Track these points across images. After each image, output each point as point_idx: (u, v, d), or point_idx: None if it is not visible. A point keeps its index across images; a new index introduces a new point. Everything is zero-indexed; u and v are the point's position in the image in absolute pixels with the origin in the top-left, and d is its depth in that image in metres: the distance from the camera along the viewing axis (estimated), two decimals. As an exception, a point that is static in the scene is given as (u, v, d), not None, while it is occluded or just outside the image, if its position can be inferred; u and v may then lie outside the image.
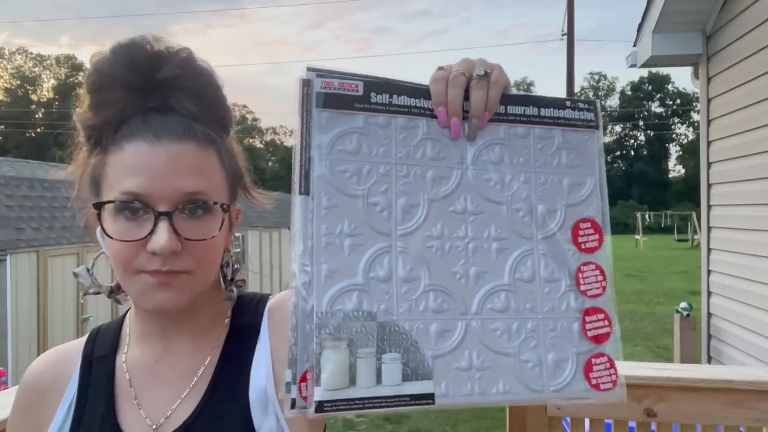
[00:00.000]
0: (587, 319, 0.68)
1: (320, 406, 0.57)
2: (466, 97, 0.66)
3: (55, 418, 0.77)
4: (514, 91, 0.70)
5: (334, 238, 0.61)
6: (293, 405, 0.58)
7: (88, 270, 0.80)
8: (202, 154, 0.72)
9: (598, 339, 0.68)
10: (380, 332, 0.60)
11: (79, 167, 0.78)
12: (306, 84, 0.62)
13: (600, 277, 0.69)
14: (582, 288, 0.69)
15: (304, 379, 0.58)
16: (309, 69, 0.62)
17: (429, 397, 0.61)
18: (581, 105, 0.72)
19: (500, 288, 0.66)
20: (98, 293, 0.81)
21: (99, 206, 0.70)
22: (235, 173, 0.79)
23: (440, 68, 0.68)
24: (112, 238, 0.69)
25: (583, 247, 0.69)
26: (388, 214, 0.63)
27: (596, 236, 0.70)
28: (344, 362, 0.59)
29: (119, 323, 0.84)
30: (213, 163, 0.73)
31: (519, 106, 0.69)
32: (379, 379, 0.60)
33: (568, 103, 0.71)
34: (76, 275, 0.80)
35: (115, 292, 0.82)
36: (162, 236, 0.67)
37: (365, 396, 0.59)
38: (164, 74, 0.72)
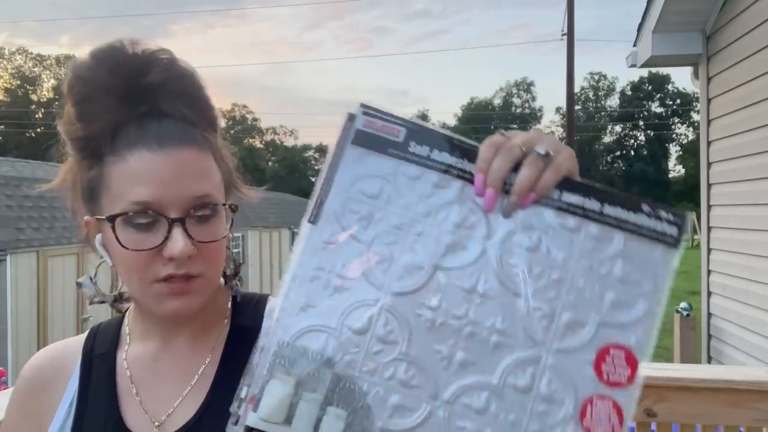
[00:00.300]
0: None
1: (248, 431, 0.56)
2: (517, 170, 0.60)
3: (56, 415, 0.77)
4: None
5: (323, 274, 0.58)
6: (237, 422, 0.57)
7: (91, 279, 0.80)
8: (203, 158, 0.72)
9: None
10: (333, 383, 0.56)
11: (68, 178, 0.77)
12: (350, 118, 0.60)
13: (615, 419, 0.57)
14: (586, 424, 0.57)
15: (252, 400, 0.57)
16: (361, 105, 0.60)
17: None
18: (663, 214, 0.60)
19: (484, 386, 0.57)
20: (102, 302, 0.81)
21: (113, 219, 0.69)
22: (228, 173, 0.80)
23: (501, 133, 0.62)
24: (127, 248, 0.69)
25: (605, 377, 0.58)
26: (387, 267, 0.58)
27: (627, 370, 0.58)
28: (286, 398, 0.56)
29: (119, 321, 0.84)
30: (212, 165, 0.74)
31: (578, 196, 0.60)
32: (316, 429, 0.56)
33: (645, 207, 0.60)
34: (79, 285, 0.80)
35: (118, 300, 0.83)
36: (179, 241, 0.68)
37: None
38: (151, 78, 0.71)
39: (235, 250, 0.87)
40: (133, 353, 0.80)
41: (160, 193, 0.68)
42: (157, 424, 0.74)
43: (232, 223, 0.78)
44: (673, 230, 0.60)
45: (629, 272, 0.60)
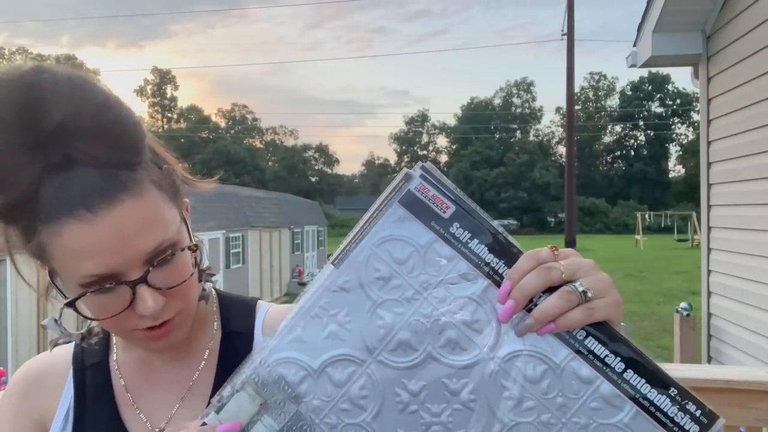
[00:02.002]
0: None
1: (203, 426, 0.57)
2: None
3: (53, 427, 0.76)
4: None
5: (325, 315, 0.58)
6: (204, 415, 0.58)
7: (56, 321, 0.75)
8: (142, 203, 0.62)
9: None
10: (293, 420, 0.57)
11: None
12: (406, 178, 0.59)
13: None
14: None
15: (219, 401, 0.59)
16: (422, 167, 0.59)
17: None
18: (691, 407, 0.55)
19: None
20: (69, 341, 0.78)
21: (72, 303, 0.65)
22: (173, 182, 0.69)
23: (552, 248, 0.59)
24: (98, 319, 0.66)
25: None
26: (384, 334, 0.58)
27: None
28: (247, 413, 0.58)
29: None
30: (155, 203, 0.64)
31: (604, 348, 0.56)
32: None
33: (672, 390, 0.55)
34: (44, 327, 0.75)
35: (86, 337, 0.79)
36: (148, 302, 0.63)
37: None
38: (56, 119, 0.58)
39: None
40: (123, 359, 0.79)
41: (110, 263, 0.61)
42: (157, 430, 0.74)
43: (186, 221, 0.72)
44: (694, 428, 0.55)
45: None
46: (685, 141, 61.84)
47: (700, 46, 4.53)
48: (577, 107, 55.05)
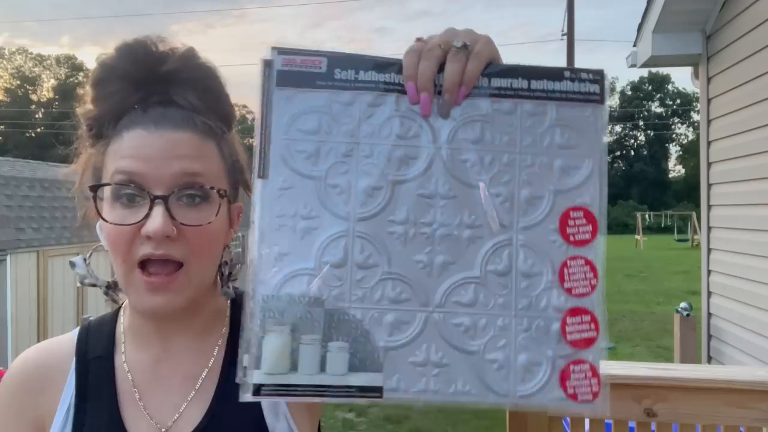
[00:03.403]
0: (569, 320, 0.61)
1: (257, 390, 0.57)
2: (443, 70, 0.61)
3: (54, 420, 0.74)
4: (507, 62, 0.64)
5: (288, 220, 0.59)
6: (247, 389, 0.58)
7: (84, 260, 0.79)
8: (200, 143, 0.71)
9: (580, 344, 0.61)
10: (328, 319, 0.58)
11: (81, 161, 0.78)
12: (268, 64, 0.60)
13: (590, 274, 0.62)
14: (566, 285, 0.61)
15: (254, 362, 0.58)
16: (273, 48, 0.60)
17: (377, 390, 0.58)
18: (584, 75, 0.63)
19: (469, 280, 0.60)
20: (94, 285, 0.80)
21: (95, 189, 0.70)
22: (236, 167, 0.78)
23: (418, 40, 0.63)
24: (108, 222, 0.68)
25: (572, 239, 0.62)
26: (347, 196, 0.59)
27: (589, 227, 0.62)
28: (286, 347, 0.57)
29: (112, 321, 0.81)
30: (211, 152, 0.73)
31: (506, 79, 0.62)
32: (323, 368, 0.57)
33: (567, 74, 0.63)
34: (72, 264, 0.78)
35: (112, 288, 0.80)
36: (157, 219, 0.65)
37: (306, 383, 0.57)
38: (166, 68, 0.72)
39: (236, 250, 0.85)
40: (132, 356, 0.77)
41: (145, 167, 0.67)
42: (164, 430, 0.73)
43: (232, 221, 0.76)
44: (595, 87, 0.63)
45: (568, 137, 0.62)
46: (685, 141, 61.82)
47: (700, 46, 4.53)
48: (577, 107, 54.85)
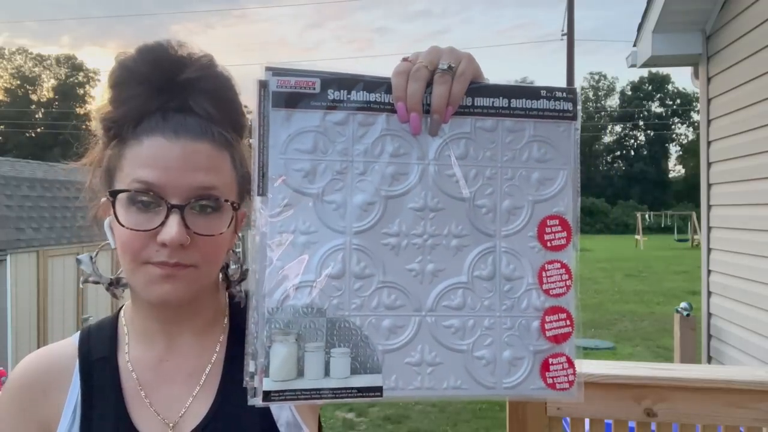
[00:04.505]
0: (547, 318, 0.68)
1: (267, 396, 0.60)
2: (430, 89, 0.65)
3: (60, 422, 0.76)
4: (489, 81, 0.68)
5: (288, 236, 0.62)
6: (255, 393, 0.61)
7: (91, 258, 0.82)
8: (217, 154, 0.74)
9: (558, 339, 0.68)
10: (330, 327, 0.62)
11: (93, 159, 0.79)
12: (263, 85, 0.62)
13: (565, 276, 0.68)
14: (545, 287, 0.68)
15: (262, 371, 0.61)
16: (267, 68, 0.63)
17: (377, 390, 0.63)
18: (558, 94, 0.68)
19: (457, 285, 0.66)
20: (98, 282, 0.82)
21: (114, 194, 0.72)
22: (245, 177, 0.79)
23: (405, 59, 0.66)
24: (124, 226, 0.70)
25: (549, 244, 0.68)
26: (343, 212, 0.64)
27: (564, 234, 0.68)
28: (292, 355, 0.61)
29: (113, 322, 0.83)
30: (226, 164, 0.75)
31: (487, 98, 0.67)
32: (327, 372, 0.62)
33: (543, 93, 0.68)
34: (78, 261, 0.81)
35: (114, 285, 0.83)
36: (173, 228, 0.69)
37: (312, 387, 0.61)
38: (186, 76, 0.74)
39: (237, 249, 0.87)
40: (136, 355, 0.79)
41: (164, 177, 0.70)
42: (171, 425, 0.75)
43: (234, 221, 0.77)
44: (568, 105, 0.68)
45: (545, 151, 0.68)
46: (685, 141, 61.84)
47: (700, 46, 4.53)
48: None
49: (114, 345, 0.80)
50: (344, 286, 0.63)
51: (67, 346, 0.81)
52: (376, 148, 0.64)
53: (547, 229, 0.68)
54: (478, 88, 0.66)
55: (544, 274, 0.68)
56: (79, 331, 0.83)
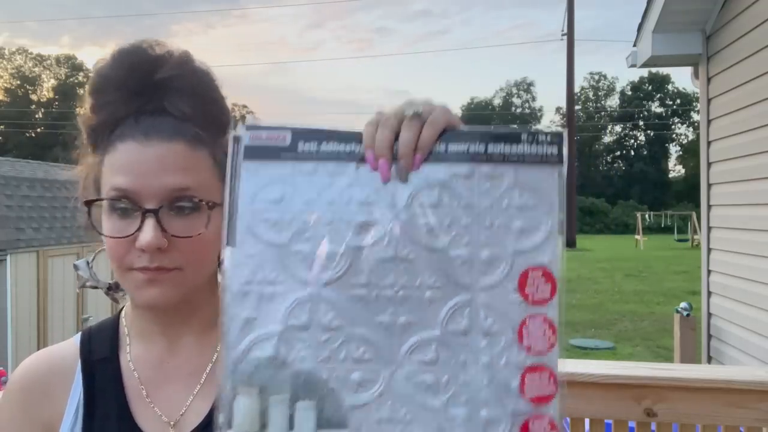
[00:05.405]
0: (528, 377, 0.62)
1: None
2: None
3: (63, 422, 0.76)
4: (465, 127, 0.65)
5: (254, 286, 0.61)
6: None
7: (88, 263, 0.82)
8: (191, 154, 0.73)
9: (539, 400, 0.62)
10: (294, 380, 0.60)
11: (84, 168, 0.80)
12: (236, 140, 0.63)
13: (548, 332, 0.63)
14: (525, 343, 0.63)
15: (226, 423, 0.60)
16: (243, 125, 0.64)
17: None
18: (542, 138, 0.64)
19: (430, 339, 0.62)
20: (95, 287, 0.82)
21: (89, 204, 0.73)
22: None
23: (378, 113, 0.66)
24: (102, 234, 0.72)
25: (531, 298, 0.63)
26: (311, 262, 0.62)
27: (548, 286, 0.63)
28: (255, 409, 0.59)
29: (114, 323, 0.83)
30: (203, 163, 0.74)
31: (462, 144, 0.63)
32: (291, 426, 0.59)
33: (524, 137, 0.64)
34: (76, 267, 0.81)
35: (113, 289, 0.83)
36: (148, 233, 0.69)
37: None
38: (161, 75, 0.73)
39: None
40: (137, 354, 0.80)
41: (138, 182, 0.70)
42: (172, 423, 0.75)
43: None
44: (553, 149, 0.63)
45: (526, 199, 0.63)
46: (685, 141, 61.85)
47: (700, 46, 4.53)
48: (577, 107, 55.04)
49: (115, 345, 0.81)
50: (311, 338, 0.61)
51: (67, 348, 0.82)
52: (344, 196, 0.62)
53: (530, 281, 0.63)
54: (452, 134, 0.64)
55: (525, 330, 0.63)
56: (79, 333, 0.83)
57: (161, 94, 0.74)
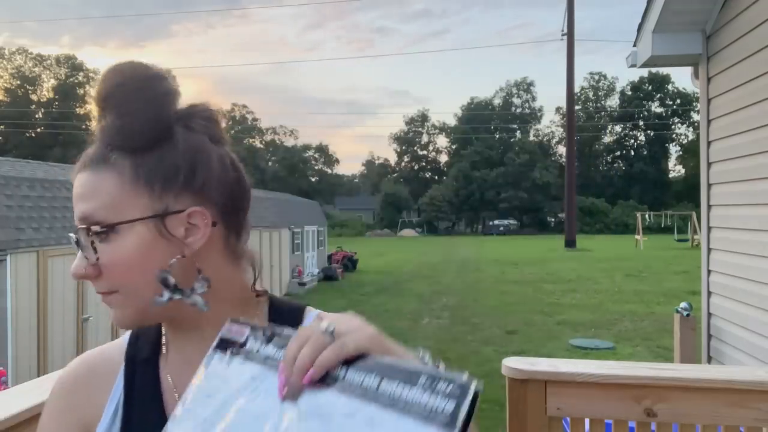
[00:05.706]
0: None
1: None
2: None
3: (102, 420, 0.78)
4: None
5: None
6: None
7: None
8: (93, 179, 0.73)
9: None
10: None
11: None
12: (220, 336, 0.68)
13: None
14: None
15: None
16: (230, 320, 0.68)
17: None
18: (441, 385, 0.50)
19: None
20: None
21: (73, 232, 0.76)
22: (180, 174, 0.73)
23: (318, 316, 0.64)
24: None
25: None
26: None
27: None
28: None
29: (159, 326, 0.84)
30: (104, 184, 0.71)
31: (360, 373, 0.55)
32: None
33: (422, 379, 0.51)
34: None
35: None
36: (73, 264, 0.73)
37: None
38: (101, 99, 0.73)
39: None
40: (171, 359, 0.81)
41: (75, 214, 0.73)
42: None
43: (170, 234, 0.73)
44: (449, 405, 0.49)
45: None
46: (685, 141, 61.84)
47: (700, 46, 4.53)
48: (577, 107, 54.99)
49: (158, 347, 0.82)
50: None
51: (116, 347, 0.85)
52: (251, 406, 0.59)
53: None
54: (357, 359, 0.56)
55: None
56: (129, 332, 0.85)
57: (103, 112, 0.74)
